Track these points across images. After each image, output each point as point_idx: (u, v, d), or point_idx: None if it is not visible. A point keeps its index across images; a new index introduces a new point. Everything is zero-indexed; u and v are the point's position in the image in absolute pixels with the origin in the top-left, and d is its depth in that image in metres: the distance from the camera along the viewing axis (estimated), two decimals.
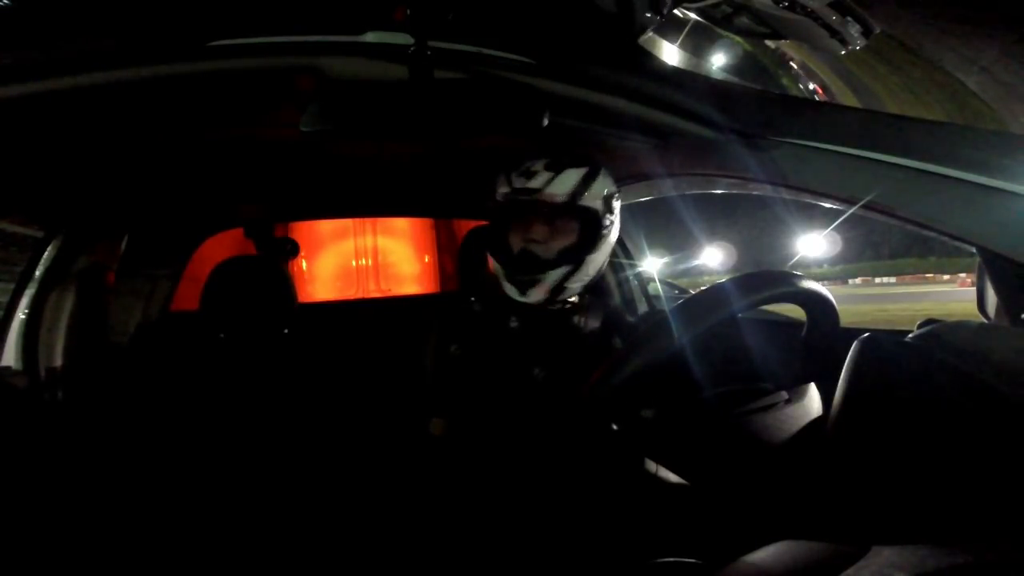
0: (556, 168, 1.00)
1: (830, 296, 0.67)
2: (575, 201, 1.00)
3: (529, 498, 0.93)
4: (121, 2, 0.72)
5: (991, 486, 0.43)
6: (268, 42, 0.79)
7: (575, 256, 1.03)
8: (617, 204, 1.07)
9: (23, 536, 0.98)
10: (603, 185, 1.03)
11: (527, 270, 1.03)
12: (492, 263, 1.07)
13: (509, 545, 0.89)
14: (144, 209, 1.53)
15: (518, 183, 1.01)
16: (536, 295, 1.03)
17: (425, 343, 1.12)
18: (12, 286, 1.31)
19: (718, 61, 0.84)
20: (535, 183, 1.00)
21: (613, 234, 1.08)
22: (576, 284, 1.04)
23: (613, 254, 1.80)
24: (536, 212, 1.02)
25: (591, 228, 1.04)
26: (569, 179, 1.00)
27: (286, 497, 1.25)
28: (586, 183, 1.01)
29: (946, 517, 0.44)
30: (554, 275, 1.02)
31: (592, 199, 1.02)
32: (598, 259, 1.06)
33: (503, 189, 1.04)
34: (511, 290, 1.04)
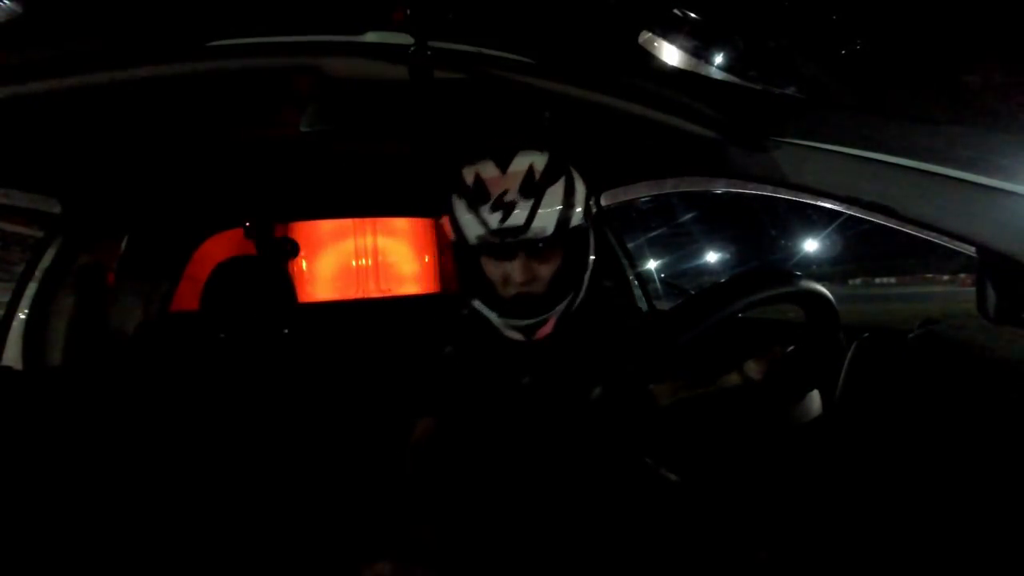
0: (533, 192, 0.84)
1: (830, 296, 0.67)
2: (567, 224, 0.85)
3: (520, 498, 0.92)
4: (121, 2, 0.72)
5: (991, 484, 0.43)
6: (268, 42, 0.79)
7: (577, 280, 0.91)
8: (591, 200, 0.94)
9: (23, 536, 0.98)
10: (580, 188, 0.89)
11: (529, 314, 0.89)
12: (478, 304, 0.93)
13: (502, 543, 0.89)
14: (144, 209, 1.53)
15: (494, 222, 0.83)
16: (545, 332, 0.92)
17: (422, 341, 1.10)
18: (12, 286, 1.32)
19: (718, 61, 0.84)
20: (516, 220, 0.83)
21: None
22: (578, 300, 0.93)
23: (614, 255, 1.81)
24: (526, 252, 0.86)
25: (584, 243, 0.91)
26: (552, 202, 0.85)
27: (286, 497, 1.25)
28: (568, 197, 0.86)
29: (945, 514, 0.44)
30: (560, 308, 0.90)
31: (578, 210, 0.87)
32: (591, 266, 0.94)
33: (475, 230, 0.85)
34: (514, 335, 0.92)
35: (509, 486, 0.93)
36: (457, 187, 0.90)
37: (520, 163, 0.87)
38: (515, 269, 0.87)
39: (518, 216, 0.83)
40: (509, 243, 0.85)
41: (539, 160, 0.87)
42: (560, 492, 0.90)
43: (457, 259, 0.94)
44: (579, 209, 0.88)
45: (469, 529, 0.90)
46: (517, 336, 0.93)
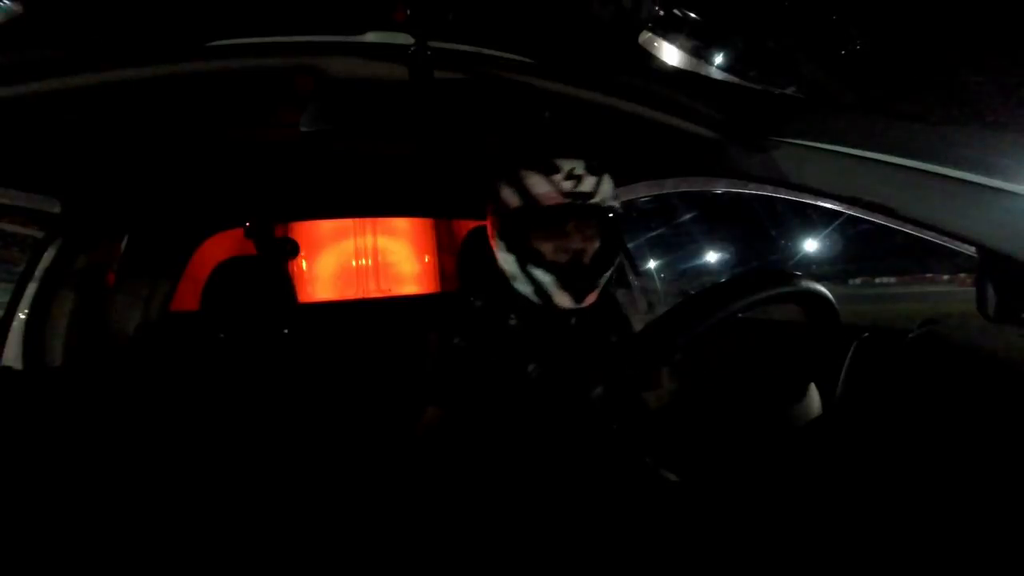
0: (596, 172, 1.01)
1: (830, 296, 0.67)
2: (616, 204, 1.04)
3: (522, 491, 0.93)
4: (121, 2, 0.71)
5: (991, 485, 0.43)
6: (268, 42, 0.79)
7: (615, 257, 1.07)
8: (619, 199, 1.11)
9: (23, 536, 0.99)
10: (615, 187, 1.07)
11: (586, 276, 1.02)
12: (524, 270, 1.02)
13: (502, 538, 0.89)
14: (144, 209, 1.53)
15: (568, 187, 0.99)
16: (591, 299, 1.03)
17: (426, 338, 1.12)
18: (12, 286, 1.32)
19: (718, 61, 0.84)
20: (586, 187, 0.99)
21: None
22: (612, 277, 1.07)
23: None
24: (591, 217, 1.02)
25: (619, 229, 1.08)
26: (608, 183, 1.02)
27: (286, 496, 1.25)
28: (613, 188, 1.05)
29: (945, 515, 0.44)
30: (604, 278, 1.04)
31: (618, 200, 1.05)
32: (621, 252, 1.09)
33: (550, 194, 0.99)
34: (563, 298, 1.01)
35: (510, 478, 0.93)
36: (531, 165, 1.03)
37: (575, 159, 1.03)
38: (572, 236, 1.02)
39: (588, 184, 0.99)
40: (579, 205, 1.00)
41: (588, 160, 1.04)
42: (560, 489, 0.91)
43: (512, 235, 1.05)
44: (618, 197, 1.06)
45: (469, 520, 0.91)
46: (568, 302, 1.02)
